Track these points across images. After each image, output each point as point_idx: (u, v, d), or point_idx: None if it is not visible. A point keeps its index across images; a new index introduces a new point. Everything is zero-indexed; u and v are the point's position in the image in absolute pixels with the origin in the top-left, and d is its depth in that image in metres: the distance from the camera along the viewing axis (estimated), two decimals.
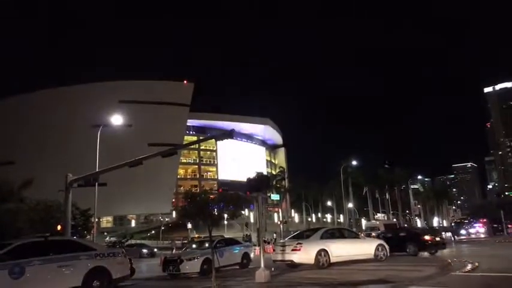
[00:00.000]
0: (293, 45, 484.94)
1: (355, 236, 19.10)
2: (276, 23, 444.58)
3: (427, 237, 21.20)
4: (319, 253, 15.31)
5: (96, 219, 31.28)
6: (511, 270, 12.36)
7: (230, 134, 18.31)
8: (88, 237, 32.66)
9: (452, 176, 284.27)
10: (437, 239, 22.04)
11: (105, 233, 64.57)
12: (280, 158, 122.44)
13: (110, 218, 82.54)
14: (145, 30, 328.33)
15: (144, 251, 41.06)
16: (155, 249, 42.84)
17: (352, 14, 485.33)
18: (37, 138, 73.50)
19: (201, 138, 72.03)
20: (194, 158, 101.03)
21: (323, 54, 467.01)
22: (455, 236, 44.03)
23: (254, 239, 46.59)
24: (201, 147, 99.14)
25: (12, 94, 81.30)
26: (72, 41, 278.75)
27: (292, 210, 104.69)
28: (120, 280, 11.86)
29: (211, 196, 13.61)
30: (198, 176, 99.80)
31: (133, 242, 49.31)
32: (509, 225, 59.81)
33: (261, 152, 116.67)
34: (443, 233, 51.58)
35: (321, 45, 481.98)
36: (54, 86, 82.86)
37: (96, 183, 24.12)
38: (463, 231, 45.82)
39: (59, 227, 20.56)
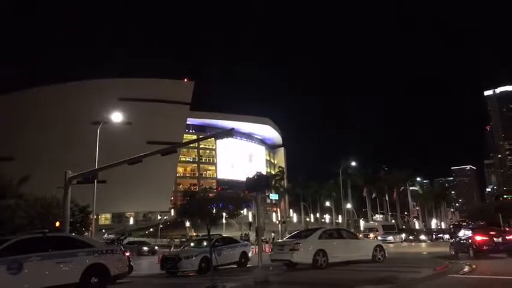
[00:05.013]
0: (294, 45, 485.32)
1: (353, 236, 19.10)
2: (277, 21, 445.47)
3: None
4: (317, 253, 15.28)
5: (95, 216, 31.22)
6: (508, 273, 12.41)
7: (230, 133, 18.43)
8: (86, 234, 32.61)
9: (451, 178, 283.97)
10: None
11: (103, 230, 64.50)
12: (280, 158, 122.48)
13: (108, 215, 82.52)
14: (146, 28, 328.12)
15: (145, 248, 41.00)
16: (156, 247, 42.73)
17: (350, 18, 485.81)
18: (37, 134, 73.50)
19: (200, 136, 72.11)
20: (193, 156, 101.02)
21: (324, 55, 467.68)
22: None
23: (252, 238, 46.59)
24: (201, 146, 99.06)
25: (12, 90, 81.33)
26: (72, 40, 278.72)
27: (291, 210, 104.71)
28: (118, 277, 11.84)
29: (210, 195, 13.61)
30: (197, 175, 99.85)
31: (132, 239, 49.06)
32: (506, 229, 59.51)
33: (261, 152, 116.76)
34: (441, 234, 51.38)
35: (323, 47, 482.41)
36: (55, 82, 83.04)
37: (95, 180, 24.10)
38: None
39: (57, 224, 20.60)
